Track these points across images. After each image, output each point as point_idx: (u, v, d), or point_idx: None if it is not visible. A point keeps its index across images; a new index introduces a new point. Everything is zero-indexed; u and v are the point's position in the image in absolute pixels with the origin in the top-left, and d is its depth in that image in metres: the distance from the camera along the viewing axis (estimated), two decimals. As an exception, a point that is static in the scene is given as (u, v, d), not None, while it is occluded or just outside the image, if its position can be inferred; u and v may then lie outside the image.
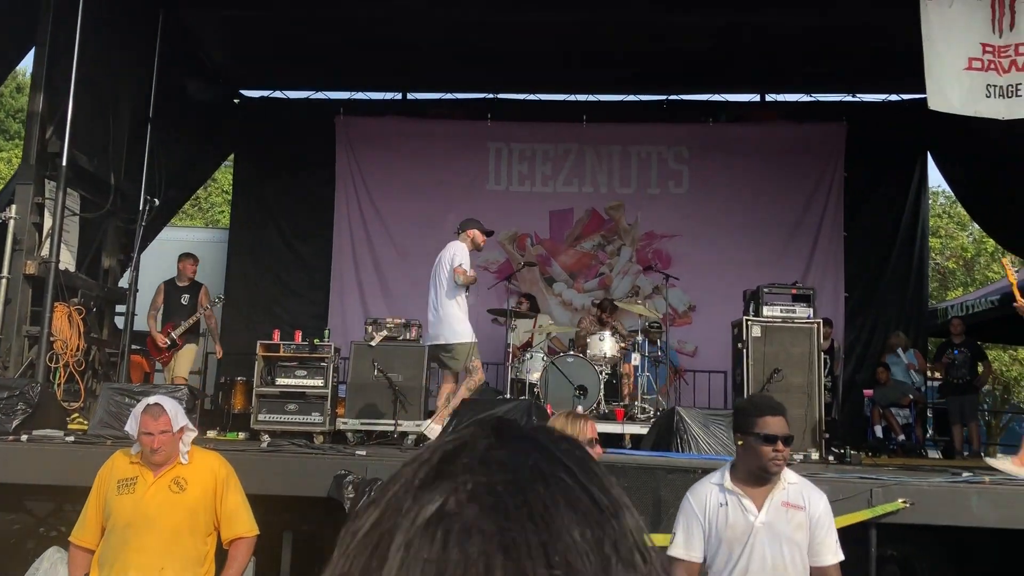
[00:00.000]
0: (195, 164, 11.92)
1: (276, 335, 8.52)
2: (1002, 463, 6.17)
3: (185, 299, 9.04)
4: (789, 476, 3.27)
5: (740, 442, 3.25)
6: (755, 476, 3.20)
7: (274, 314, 12.17)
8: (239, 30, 11.07)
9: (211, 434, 8.03)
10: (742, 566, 3.15)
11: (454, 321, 6.93)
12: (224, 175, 21.24)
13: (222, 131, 12.49)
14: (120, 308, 9.22)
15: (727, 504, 3.20)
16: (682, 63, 11.60)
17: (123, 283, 9.44)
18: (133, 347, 8.75)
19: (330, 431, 8.09)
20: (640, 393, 8.60)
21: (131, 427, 3.75)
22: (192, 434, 3.86)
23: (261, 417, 8.02)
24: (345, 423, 8.32)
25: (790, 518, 3.16)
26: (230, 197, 15.77)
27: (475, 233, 7.23)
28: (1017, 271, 7.25)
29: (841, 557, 3.19)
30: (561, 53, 11.46)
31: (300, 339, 8.39)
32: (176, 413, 3.73)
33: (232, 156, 13.65)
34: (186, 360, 8.98)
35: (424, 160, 12.36)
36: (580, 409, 8.08)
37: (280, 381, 8.18)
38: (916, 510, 5.09)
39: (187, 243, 13.74)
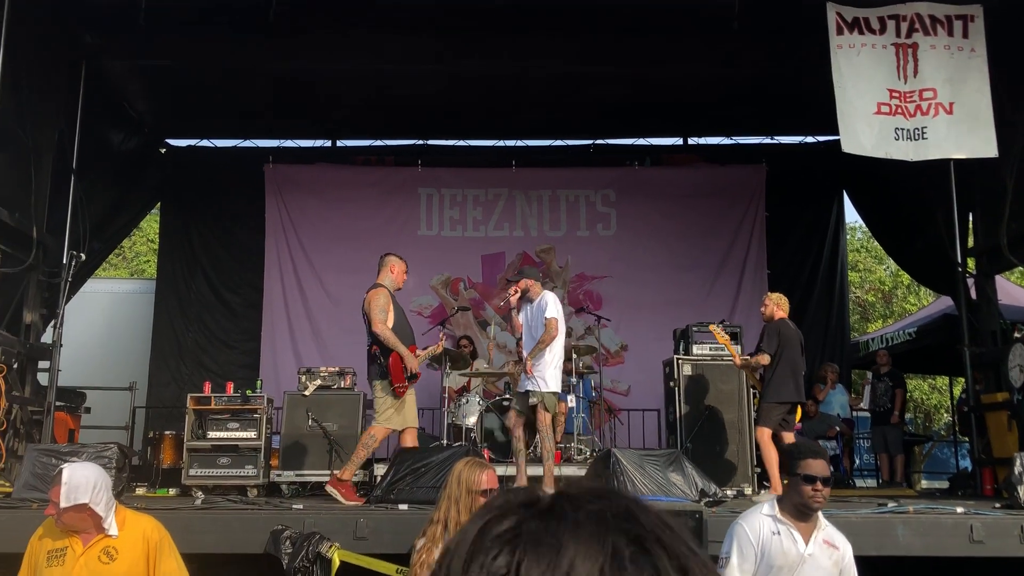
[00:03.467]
0: (120, 215, 11.70)
1: (207, 387, 8.39)
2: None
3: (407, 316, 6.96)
4: (822, 518, 3.59)
5: (786, 481, 3.60)
6: (799, 511, 3.51)
7: (203, 365, 11.97)
8: (162, 80, 10.96)
9: (140, 491, 7.83)
10: None
11: None
12: (150, 224, 20.85)
13: (148, 181, 12.31)
14: (43, 364, 8.91)
15: (780, 533, 3.49)
16: (605, 110, 11.89)
17: (46, 338, 9.14)
18: (57, 404, 8.45)
19: (264, 484, 7.96)
20: (576, 434, 8.67)
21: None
22: (108, 510, 3.47)
23: (192, 472, 7.84)
24: (279, 475, 8.21)
25: (829, 555, 3.48)
26: (156, 247, 15.50)
27: None
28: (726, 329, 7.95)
29: None
30: (489, 100, 11.65)
31: (232, 391, 8.26)
32: (77, 488, 3.34)
33: (159, 205, 13.44)
34: (415, 403, 7.03)
35: (355, 207, 12.35)
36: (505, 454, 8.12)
37: (212, 434, 8.02)
38: (845, 541, 5.23)
39: (112, 294, 13.49)
